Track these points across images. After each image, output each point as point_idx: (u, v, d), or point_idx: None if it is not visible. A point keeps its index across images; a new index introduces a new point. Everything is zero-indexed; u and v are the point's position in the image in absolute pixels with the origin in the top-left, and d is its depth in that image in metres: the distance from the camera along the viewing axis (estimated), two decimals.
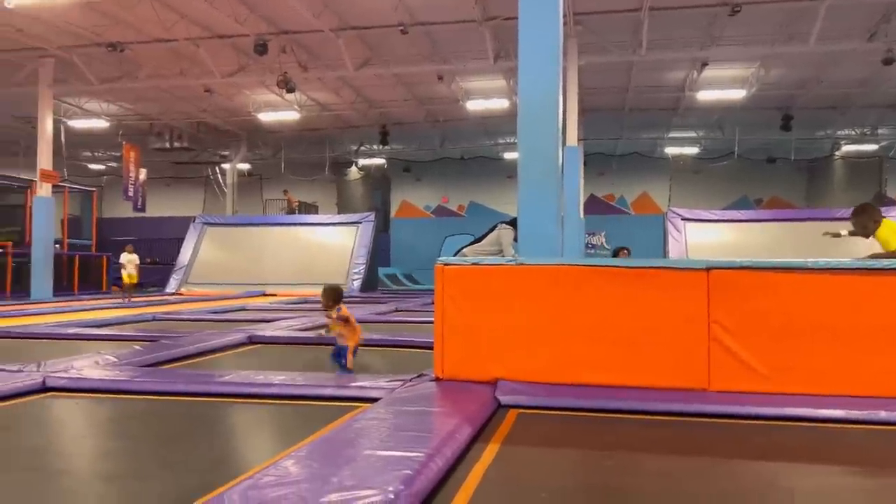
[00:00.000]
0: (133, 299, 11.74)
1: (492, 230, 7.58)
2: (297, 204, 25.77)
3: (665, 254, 17.71)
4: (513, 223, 7.50)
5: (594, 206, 24.61)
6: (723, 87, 18.22)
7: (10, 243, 18.63)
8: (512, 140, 23.98)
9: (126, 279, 12.28)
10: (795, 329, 4.25)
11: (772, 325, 4.28)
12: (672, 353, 4.36)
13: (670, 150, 25.04)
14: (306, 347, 7.03)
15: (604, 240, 24.79)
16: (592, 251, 24.56)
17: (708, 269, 4.37)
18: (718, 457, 3.26)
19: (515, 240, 7.05)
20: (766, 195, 25.58)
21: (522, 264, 4.63)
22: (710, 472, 3.03)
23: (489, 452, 3.21)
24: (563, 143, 6.83)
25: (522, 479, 2.91)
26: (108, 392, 4.53)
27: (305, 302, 14.71)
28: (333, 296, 5.44)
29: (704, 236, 18.18)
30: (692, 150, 25.13)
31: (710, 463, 3.15)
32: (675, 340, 4.37)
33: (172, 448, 3.38)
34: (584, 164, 17.93)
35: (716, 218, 19.53)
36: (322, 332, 5.91)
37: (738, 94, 18.56)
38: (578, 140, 15.52)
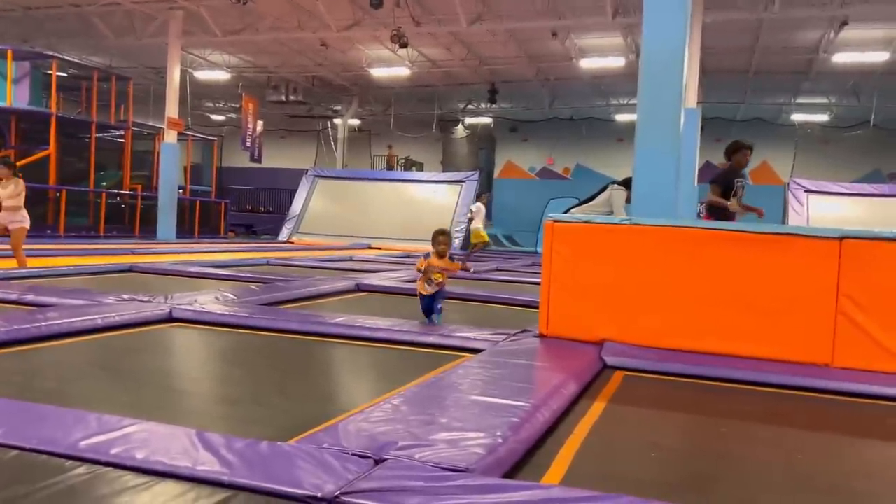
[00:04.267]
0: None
1: (602, 190, 7.41)
2: (395, 160, 26.26)
3: None
4: (625, 184, 7.29)
5: (710, 174, 23.42)
6: (863, 49, 16.75)
7: (139, 186, 19.94)
8: (625, 101, 23.15)
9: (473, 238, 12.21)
10: None
11: None
12: (793, 324, 4.13)
13: (797, 118, 23.42)
14: (411, 297, 7.16)
15: None
16: None
17: (841, 239, 4.08)
18: (842, 434, 3.08)
19: (628, 201, 6.87)
20: None
21: (637, 224, 4.49)
22: (832, 448, 2.86)
23: (595, 410, 3.17)
24: (683, 104, 6.51)
25: (630, 438, 2.86)
26: (228, 326, 4.79)
27: (409, 256, 14.99)
28: (451, 237, 5.30)
29: (829, 210, 17.05)
30: (821, 118, 23.41)
31: (831, 440, 2.99)
32: (798, 312, 4.13)
33: (288, 380, 3.55)
34: (702, 128, 17.07)
35: (844, 191, 18.25)
36: (421, 275, 5.19)
37: (879, 58, 17.03)
38: (697, 102, 14.74)
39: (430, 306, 5.22)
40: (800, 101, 22.44)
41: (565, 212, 7.15)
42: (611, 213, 7.13)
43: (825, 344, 4.08)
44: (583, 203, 7.51)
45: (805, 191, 18.09)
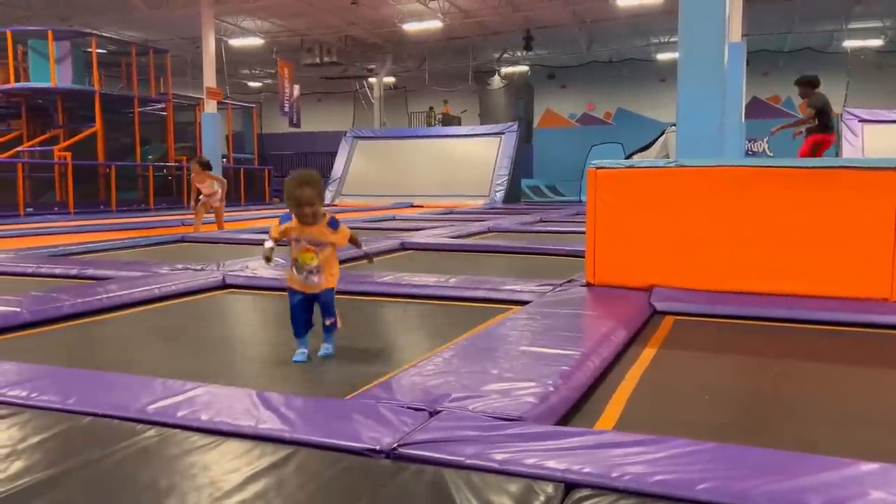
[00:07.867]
0: None
1: (661, 136, 7.25)
2: (440, 115, 26.12)
3: None
4: None
5: (757, 109, 22.58)
6: None
7: (185, 158, 20.30)
8: (666, 39, 22.41)
9: None
10: None
11: None
12: (849, 259, 4.02)
13: (849, 44, 22.35)
14: (455, 253, 7.21)
15: (766, 146, 22.92)
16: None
17: None
18: None
19: None
20: None
21: (682, 166, 4.39)
22: (892, 383, 2.81)
23: (646, 356, 3.16)
24: (727, 39, 6.27)
25: (682, 382, 2.86)
26: (280, 290, 4.89)
27: (451, 213, 15.00)
28: (321, 188, 3.03)
29: (886, 140, 16.33)
30: (875, 43, 22.29)
31: (891, 375, 2.92)
32: (854, 246, 4.01)
33: (339, 340, 3.62)
34: (747, 62, 16.45)
35: None
36: (270, 253, 3.16)
37: None
38: (742, 35, 14.15)
39: (305, 312, 3.10)
40: (852, 26, 21.37)
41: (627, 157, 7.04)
42: (667, 156, 6.98)
43: (883, 278, 3.97)
44: (640, 150, 7.37)
45: (859, 121, 17.35)
